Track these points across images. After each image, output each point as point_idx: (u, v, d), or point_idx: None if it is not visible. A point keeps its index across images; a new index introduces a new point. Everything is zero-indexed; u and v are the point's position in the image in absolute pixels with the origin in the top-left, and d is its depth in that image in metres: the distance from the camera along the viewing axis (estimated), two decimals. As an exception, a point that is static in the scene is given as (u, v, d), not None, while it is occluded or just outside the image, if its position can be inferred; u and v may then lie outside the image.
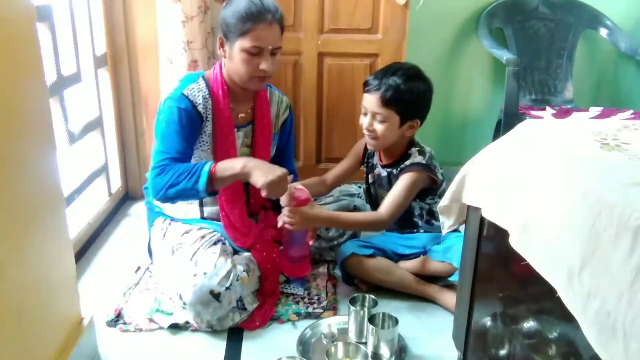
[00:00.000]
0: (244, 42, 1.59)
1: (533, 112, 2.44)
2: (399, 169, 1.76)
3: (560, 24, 2.61)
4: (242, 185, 1.77)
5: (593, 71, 2.77)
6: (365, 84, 1.73)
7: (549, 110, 2.47)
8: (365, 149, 1.90)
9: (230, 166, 1.55)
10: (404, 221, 1.81)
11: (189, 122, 1.64)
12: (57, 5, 1.81)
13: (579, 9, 2.61)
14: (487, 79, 2.73)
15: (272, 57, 1.63)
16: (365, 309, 1.55)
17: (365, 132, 1.75)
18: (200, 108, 1.66)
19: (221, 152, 1.71)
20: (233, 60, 1.63)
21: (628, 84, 2.77)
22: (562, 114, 2.43)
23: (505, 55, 2.32)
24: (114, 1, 2.20)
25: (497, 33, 2.59)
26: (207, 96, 1.68)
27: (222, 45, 1.66)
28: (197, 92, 1.67)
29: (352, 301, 1.56)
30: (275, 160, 1.90)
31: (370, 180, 1.91)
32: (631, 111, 2.41)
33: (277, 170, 1.54)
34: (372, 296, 1.60)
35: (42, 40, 1.37)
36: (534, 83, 2.63)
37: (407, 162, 1.74)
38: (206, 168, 1.52)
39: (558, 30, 2.61)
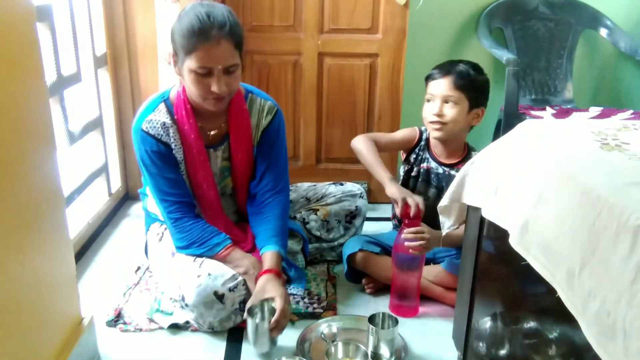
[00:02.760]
0: (190, 62, 1.46)
1: (533, 112, 2.44)
2: None
3: (560, 24, 2.61)
4: (222, 199, 1.75)
5: (593, 71, 2.77)
6: (430, 75, 1.75)
7: (549, 110, 2.47)
8: (419, 140, 1.87)
9: (234, 263, 1.60)
10: (431, 225, 1.74)
11: (162, 160, 1.60)
12: (57, 5, 1.81)
13: (579, 9, 2.61)
14: (487, 79, 2.73)
15: (228, 75, 1.50)
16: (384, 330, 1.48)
17: (432, 119, 1.72)
18: (164, 139, 1.60)
19: (193, 174, 1.66)
20: (185, 79, 1.53)
21: (628, 84, 2.77)
22: (562, 114, 2.43)
23: (505, 55, 2.33)
24: (114, 1, 2.20)
25: (497, 33, 2.59)
26: (169, 123, 1.60)
27: (175, 62, 1.55)
28: (156, 124, 1.59)
29: (371, 319, 1.48)
30: (261, 174, 1.77)
31: (413, 173, 1.86)
32: (631, 111, 2.41)
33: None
34: (394, 315, 1.52)
35: (42, 40, 1.37)
36: (534, 83, 2.63)
37: None
38: (214, 252, 1.60)
39: (558, 30, 2.61)
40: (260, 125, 1.72)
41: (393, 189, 1.68)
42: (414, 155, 1.87)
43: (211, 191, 1.69)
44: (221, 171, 1.74)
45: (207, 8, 1.47)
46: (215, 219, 1.71)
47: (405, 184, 1.88)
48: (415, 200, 1.63)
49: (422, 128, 1.88)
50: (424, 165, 1.84)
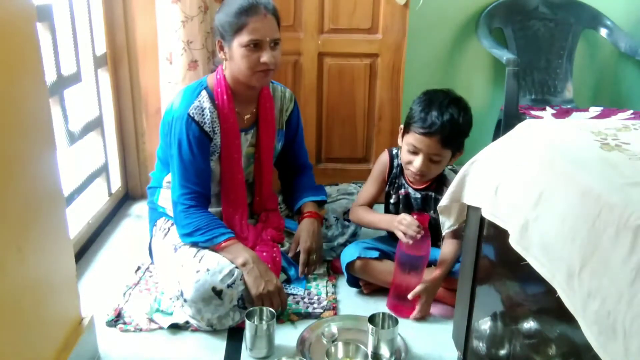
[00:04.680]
0: (241, 38, 1.61)
1: (533, 112, 2.44)
2: (441, 192, 1.69)
3: (560, 24, 2.61)
4: (246, 188, 1.81)
5: (593, 71, 2.77)
6: (413, 124, 1.64)
7: (549, 110, 2.47)
8: (391, 168, 1.83)
9: (234, 254, 1.62)
10: (433, 236, 1.71)
11: (200, 147, 1.68)
12: (57, 5, 1.81)
13: (579, 9, 2.61)
14: (487, 79, 2.73)
15: (274, 50, 1.64)
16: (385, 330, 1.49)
17: (414, 171, 1.67)
18: (207, 127, 1.68)
19: (228, 156, 1.74)
20: (234, 59, 1.65)
21: (628, 84, 2.77)
22: (562, 114, 2.43)
23: (505, 55, 2.33)
24: (114, 1, 2.20)
25: (497, 33, 2.59)
26: (213, 108, 1.69)
27: (221, 48, 1.68)
28: (203, 110, 1.68)
29: (371, 319, 1.49)
30: (285, 155, 1.95)
31: (393, 200, 1.84)
32: (631, 111, 2.41)
33: (272, 283, 1.60)
34: (394, 315, 1.54)
35: (42, 40, 1.37)
36: (534, 83, 2.63)
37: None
38: (217, 240, 1.63)
39: (558, 30, 2.61)
40: (284, 111, 1.89)
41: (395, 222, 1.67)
42: (389, 181, 1.84)
43: (239, 175, 1.78)
44: (247, 157, 1.82)
45: None
46: (236, 206, 1.77)
47: (387, 208, 1.88)
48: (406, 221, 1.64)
49: (393, 152, 1.83)
50: (402, 191, 1.82)
